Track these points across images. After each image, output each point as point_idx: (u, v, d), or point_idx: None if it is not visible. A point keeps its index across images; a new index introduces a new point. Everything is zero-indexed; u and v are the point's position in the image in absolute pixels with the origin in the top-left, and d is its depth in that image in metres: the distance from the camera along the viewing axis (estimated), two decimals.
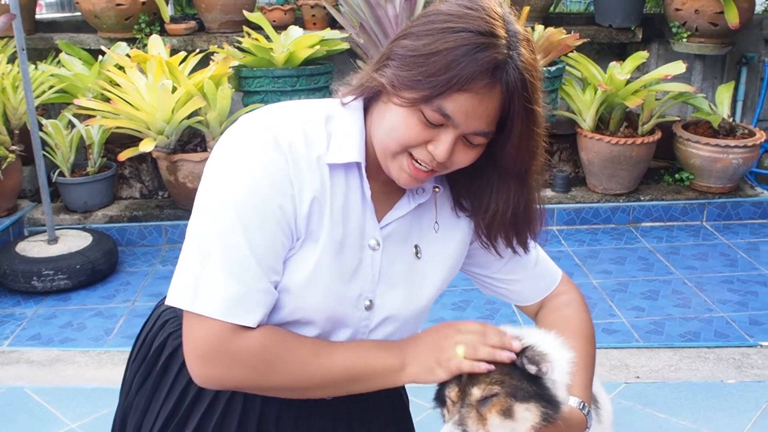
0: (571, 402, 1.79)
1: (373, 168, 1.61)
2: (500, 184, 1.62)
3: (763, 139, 5.38)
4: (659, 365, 3.59)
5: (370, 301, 1.70)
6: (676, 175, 5.55)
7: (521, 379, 1.72)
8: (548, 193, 5.45)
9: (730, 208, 5.40)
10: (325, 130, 1.57)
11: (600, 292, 4.38)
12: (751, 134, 5.43)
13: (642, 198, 5.38)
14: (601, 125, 5.42)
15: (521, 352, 1.76)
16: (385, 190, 1.68)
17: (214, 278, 1.43)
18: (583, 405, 1.81)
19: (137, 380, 1.80)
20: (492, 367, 1.65)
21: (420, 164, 1.52)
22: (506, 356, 1.64)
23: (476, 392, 1.76)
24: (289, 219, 1.50)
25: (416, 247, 1.73)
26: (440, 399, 1.85)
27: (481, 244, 1.78)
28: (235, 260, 1.44)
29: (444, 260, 1.80)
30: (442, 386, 1.83)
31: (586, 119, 5.32)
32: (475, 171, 1.61)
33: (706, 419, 3.15)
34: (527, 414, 1.78)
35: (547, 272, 1.93)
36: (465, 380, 1.75)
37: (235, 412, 1.72)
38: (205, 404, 1.70)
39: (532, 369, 1.73)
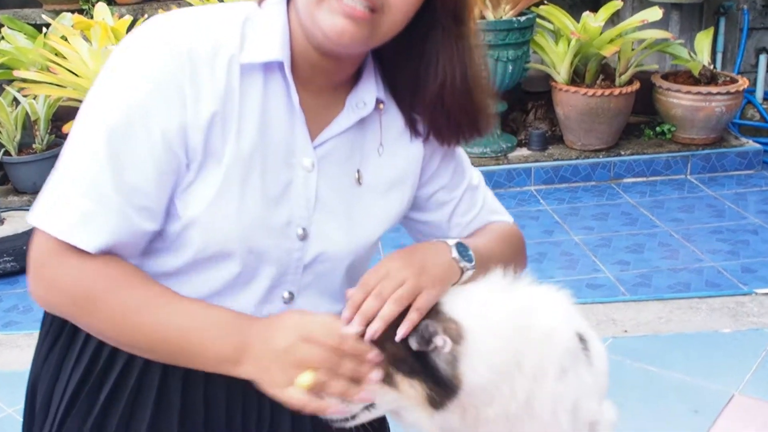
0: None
1: (302, 72, 1.39)
2: (442, 40, 1.43)
3: (746, 86, 5.14)
4: (648, 318, 3.34)
5: (304, 230, 1.49)
6: (657, 128, 5.30)
7: (407, 351, 1.46)
8: (524, 152, 5.18)
9: (714, 159, 5.16)
10: (240, 31, 1.35)
11: (582, 248, 4.12)
12: (734, 81, 5.19)
13: (623, 153, 5.12)
14: (577, 78, 5.15)
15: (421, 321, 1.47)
16: (320, 103, 1.46)
17: (67, 196, 1.31)
18: (460, 244, 1.55)
19: (45, 345, 1.58)
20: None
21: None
22: (371, 379, 1.40)
23: None
24: (171, 139, 1.33)
25: (358, 171, 1.55)
26: None
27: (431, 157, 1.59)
28: (93, 180, 1.31)
29: (388, 190, 1.59)
30: None
31: (561, 72, 5.06)
32: (411, 43, 1.43)
33: (701, 370, 2.90)
34: (411, 391, 1.52)
35: (495, 215, 1.72)
36: None
37: (155, 374, 1.51)
38: (119, 367, 1.49)
39: (413, 343, 1.45)
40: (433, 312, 1.51)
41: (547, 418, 1.68)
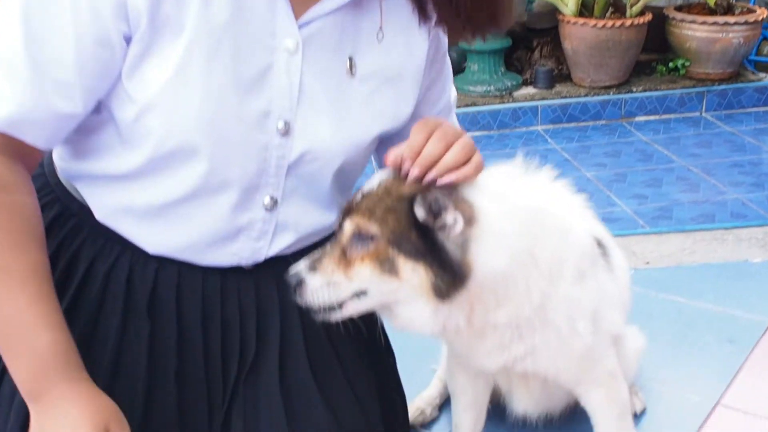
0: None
1: None
2: None
3: (764, 15, 4.83)
4: (671, 250, 3.08)
5: (286, 123, 1.30)
6: (671, 64, 5.00)
7: (412, 227, 1.27)
8: (530, 90, 4.89)
9: (731, 95, 4.87)
10: None
11: (596, 183, 3.85)
12: (751, 11, 4.89)
13: (634, 90, 4.83)
14: (585, 12, 4.85)
15: (421, 191, 1.28)
16: None
17: None
18: None
19: None
20: None
21: None
22: None
23: (347, 227, 1.33)
24: (99, 4, 1.16)
25: (350, 60, 1.37)
26: None
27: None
28: (5, 52, 1.16)
29: (386, 83, 1.40)
30: None
31: (569, 3, 4.75)
32: None
33: (732, 300, 2.65)
34: (413, 277, 1.28)
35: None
36: (348, 208, 1.34)
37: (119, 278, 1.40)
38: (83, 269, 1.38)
39: (419, 212, 1.25)
40: (446, 190, 1.27)
41: (563, 326, 1.46)
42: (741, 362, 2.30)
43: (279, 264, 1.44)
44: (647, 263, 2.97)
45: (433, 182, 1.28)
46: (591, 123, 4.77)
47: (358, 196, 1.33)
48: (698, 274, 2.86)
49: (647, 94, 4.81)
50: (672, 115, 4.84)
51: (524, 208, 1.37)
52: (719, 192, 3.65)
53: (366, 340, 1.62)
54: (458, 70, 4.88)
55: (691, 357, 2.34)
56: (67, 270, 1.37)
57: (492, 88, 4.79)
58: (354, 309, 1.36)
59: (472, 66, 4.87)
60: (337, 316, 1.37)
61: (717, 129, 4.59)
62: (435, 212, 1.25)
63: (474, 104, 4.68)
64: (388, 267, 1.28)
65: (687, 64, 4.93)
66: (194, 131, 1.22)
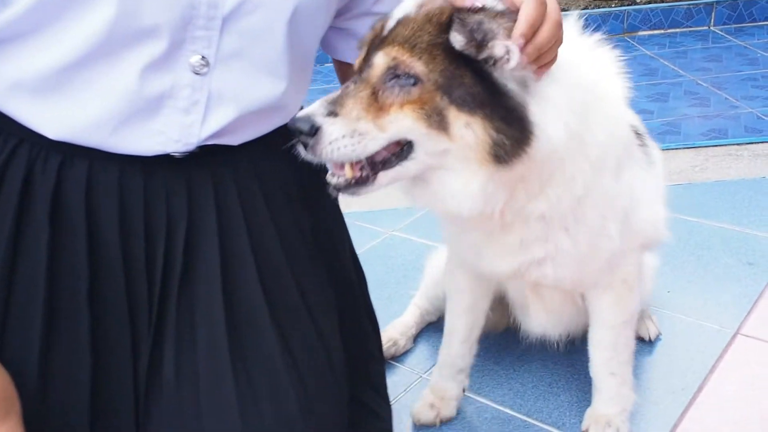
0: None
1: None
2: None
3: None
4: (680, 167, 2.79)
5: None
6: None
7: (466, 66, 0.99)
8: None
9: (742, 8, 4.51)
10: None
11: None
12: None
13: (638, 1, 4.47)
14: None
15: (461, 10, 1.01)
16: None
17: None
18: None
19: None
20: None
21: None
22: None
23: (379, 61, 1.01)
24: None
25: None
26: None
27: None
28: None
29: None
30: None
31: None
32: None
33: (751, 219, 2.37)
34: (467, 134, 0.98)
35: None
36: (377, 42, 1.03)
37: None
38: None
39: (457, 40, 0.99)
40: (495, 16, 0.99)
41: (594, 223, 1.20)
42: (762, 287, 2.03)
43: (219, 156, 1.16)
44: None
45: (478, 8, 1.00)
46: None
47: (390, 22, 1.04)
48: (711, 191, 2.57)
49: (652, 6, 4.46)
50: (678, 29, 4.50)
51: (585, 85, 1.11)
52: (731, 106, 3.34)
53: (330, 258, 1.35)
54: None
55: (707, 281, 2.07)
56: None
57: None
58: (391, 177, 1.07)
59: None
60: (368, 190, 1.08)
61: (727, 42, 4.25)
62: (479, 40, 0.97)
63: None
64: (436, 120, 1.00)
65: None
66: None
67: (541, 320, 1.52)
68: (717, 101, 3.41)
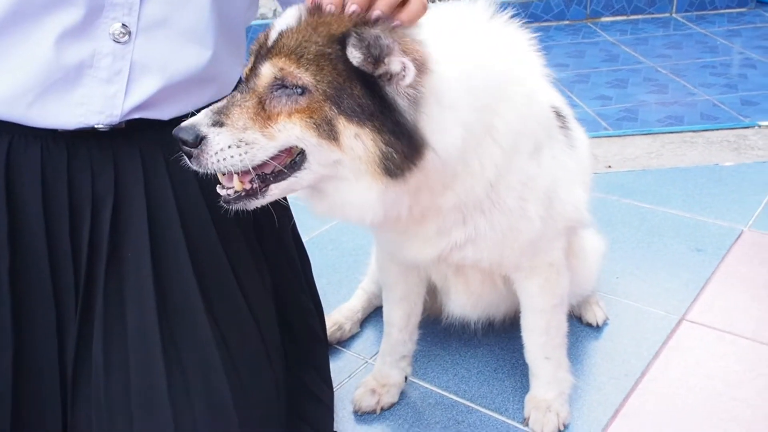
0: None
1: None
2: None
3: None
4: (636, 153, 2.79)
5: None
6: None
7: (355, 78, 0.96)
8: None
9: None
10: None
11: (556, 83, 3.52)
12: None
13: None
14: None
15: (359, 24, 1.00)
16: None
17: None
18: None
19: None
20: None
21: None
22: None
23: (266, 71, 0.98)
24: None
25: None
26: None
27: None
28: None
29: None
30: None
31: None
32: None
33: (702, 206, 2.38)
34: (356, 145, 0.96)
35: None
36: (263, 52, 1.00)
37: None
38: None
39: (355, 57, 0.97)
40: (388, 28, 0.96)
41: (514, 207, 1.19)
42: (710, 273, 2.04)
43: (148, 132, 1.13)
44: (609, 167, 2.68)
45: (373, 20, 0.99)
46: (554, 23, 4.42)
47: (273, 33, 1.02)
48: (665, 178, 2.58)
49: None
50: (640, 16, 4.51)
51: (485, 67, 1.08)
52: (689, 93, 3.35)
53: (269, 237, 1.32)
54: None
55: (656, 267, 2.07)
56: None
57: None
58: (283, 188, 1.05)
59: None
60: (259, 203, 1.06)
61: (688, 30, 4.27)
62: (376, 56, 0.95)
63: None
64: (326, 130, 0.98)
65: None
66: None
67: (461, 302, 1.51)
68: (675, 88, 3.42)
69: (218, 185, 1.06)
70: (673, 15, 4.52)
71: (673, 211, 2.36)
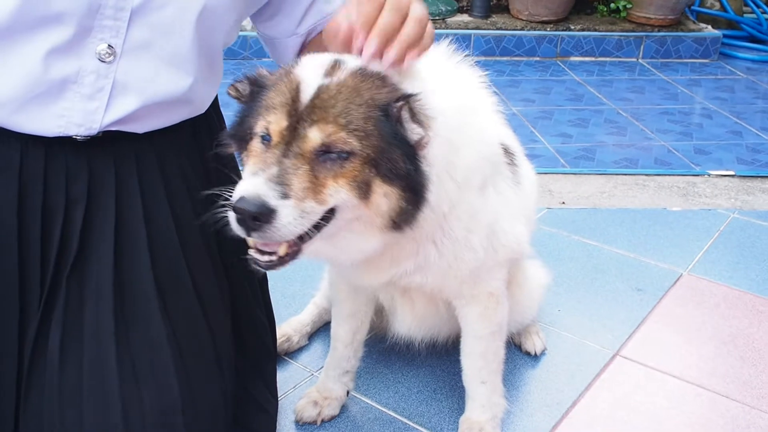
0: None
1: None
2: None
3: None
4: (589, 191, 2.90)
5: None
6: (612, 5, 4.80)
7: (398, 144, 1.05)
8: (465, 18, 4.63)
9: (670, 43, 4.70)
10: None
11: (521, 118, 3.64)
12: None
13: (572, 27, 4.62)
14: None
15: (402, 98, 1.06)
16: None
17: None
18: None
19: None
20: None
21: None
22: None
23: (313, 135, 1.03)
24: None
25: None
26: (239, 135, 1.13)
27: None
28: None
29: None
30: (247, 112, 1.13)
31: None
32: None
33: (647, 248, 2.49)
34: (383, 203, 1.06)
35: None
36: (300, 110, 1.05)
37: None
38: None
39: (416, 133, 1.05)
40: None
41: (460, 236, 1.28)
42: (646, 312, 2.14)
43: (123, 142, 1.19)
44: (563, 203, 2.79)
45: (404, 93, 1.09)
46: (525, 59, 4.55)
47: (306, 89, 1.06)
48: (614, 218, 2.69)
49: (585, 33, 4.61)
50: (608, 58, 4.66)
51: (458, 115, 1.19)
52: (646, 138, 3.49)
53: (228, 251, 1.39)
54: None
55: (596, 303, 2.17)
56: None
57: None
58: (313, 246, 1.10)
59: None
60: (292, 263, 1.12)
61: (652, 76, 4.43)
62: (421, 126, 1.07)
63: None
64: (363, 190, 1.06)
65: (629, 6, 4.74)
66: None
67: (406, 322, 1.59)
68: (633, 131, 3.55)
69: (254, 252, 1.08)
70: (640, 60, 4.68)
71: (618, 250, 2.47)
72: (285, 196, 1.01)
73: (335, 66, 1.08)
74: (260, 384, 1.52)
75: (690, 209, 2.79)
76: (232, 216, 1.01)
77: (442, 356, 1.86)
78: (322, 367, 1.77)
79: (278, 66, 1.32)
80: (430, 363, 1.88)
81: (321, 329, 1.97)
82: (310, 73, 1.07)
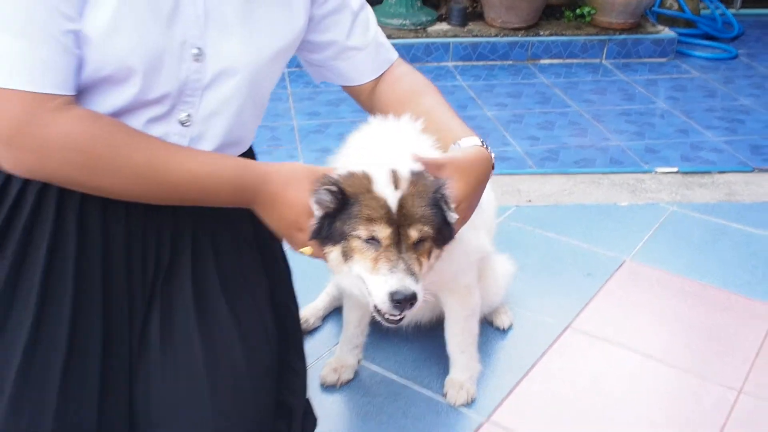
0: (473, 142, 1.60)
1: None
2: None
3: None
4: (552, 190, 3.42)
5: (199, 49, 1.45)
6: (578, 11, 5.29)
7: (443, 220, 1.54)
8: (443, 26, 5.11)
9: (630, 45, 5.20)
10: None
11: (494, 122, 4.15)
12: None
13: (542, 33, 5.11)
14: None
15: (437, 190, 1.53)
16: None
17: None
18: (483, 142, 1.63)
19: None
20: None
21: None
22: None
23: (413, 233, 1.53)
24: None
25: None
26: (334, 237, 1.53)
27: None
28: (14, 12, 1.28)
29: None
30: (336, 219, 1.52)
31: None
32: None
33: (597, 238, 3.01)
34: (434, 261, 1.60)
35: (384, 47, 1.81)
36: (396, 217, 1.51)
37: (49, 205, 1.47)
38: (11, 197, 1.44)
39: (452, 217, 1.53)
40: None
41: (447, 255, 1.75)
42: (594, 293, 2.66)
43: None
44: (529, 201, 3.30)
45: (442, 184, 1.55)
46: (498, 63, 5.04)
47: (394, 203, 1.49)
48: (572, 213, 3.21)
49: (553, 38, 5.10)
50: (574, 60, 5.15)
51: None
52: (604, 138, 4.00)
53: (266, 253, 1.83)
54: (376, 1, 5.04)
55: (554, 286, 2.69)
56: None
57: (407, 22, 4.98)
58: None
59: None
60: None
61: (614, 77, 4.93)
62: (451, 210, 1.53)
63: (389, 37, 4.80)
64: (431, 256, 1.57)
65: (593, 12, 5.23)
66: (125, 64, 1.36)
67: None
68: (593, 133, 4.06)
69: (389, 315, 1.55)
70: (603, 61, 5.18)
71: (573, 241, 2.99)
72: (417, 281, 1.49)
73: (396, 177, 1.50)
74: (292, 352, 1.97)
75: (636, 203, 3.31)
76: (386, 301, 1.50)
77: (429, 333, 2.38)
78: (336, 344, 2.28)
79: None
80: (420, 338, 2.39)
81: (332, 314, 2.48)
82: (388, 191, 1.50)
